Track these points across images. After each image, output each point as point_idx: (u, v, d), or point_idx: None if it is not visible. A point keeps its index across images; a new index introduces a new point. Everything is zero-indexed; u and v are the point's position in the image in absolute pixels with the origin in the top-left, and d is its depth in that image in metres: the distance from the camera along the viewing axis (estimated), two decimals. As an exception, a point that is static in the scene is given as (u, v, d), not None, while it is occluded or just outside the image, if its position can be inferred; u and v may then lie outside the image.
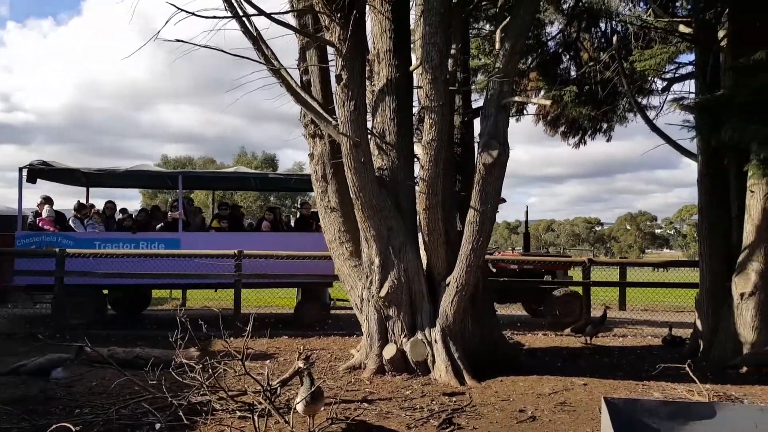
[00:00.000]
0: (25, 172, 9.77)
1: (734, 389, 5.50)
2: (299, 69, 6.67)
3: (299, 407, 4.08)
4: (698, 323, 7.19)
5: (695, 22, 7.13)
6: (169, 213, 10.61)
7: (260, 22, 5.62)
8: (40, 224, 9.89)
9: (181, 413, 4.22)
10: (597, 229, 79.64)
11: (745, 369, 6.20)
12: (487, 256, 11.48)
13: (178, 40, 5.20)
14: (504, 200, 12.40)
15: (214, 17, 5.24)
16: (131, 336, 8.21)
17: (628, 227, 75.26)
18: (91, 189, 11.99)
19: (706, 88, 6.74)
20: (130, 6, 5.14)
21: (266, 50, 5.80)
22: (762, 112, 5.25)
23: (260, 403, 4.25)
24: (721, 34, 6.88)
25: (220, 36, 5.65)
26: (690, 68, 8.04)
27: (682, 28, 7.58)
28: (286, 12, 6.12)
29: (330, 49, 5.94)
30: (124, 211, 11.21)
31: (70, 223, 10.11)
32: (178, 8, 4.99)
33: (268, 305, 12.43)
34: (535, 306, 11.31)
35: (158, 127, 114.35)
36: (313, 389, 4.01)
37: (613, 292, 13.52)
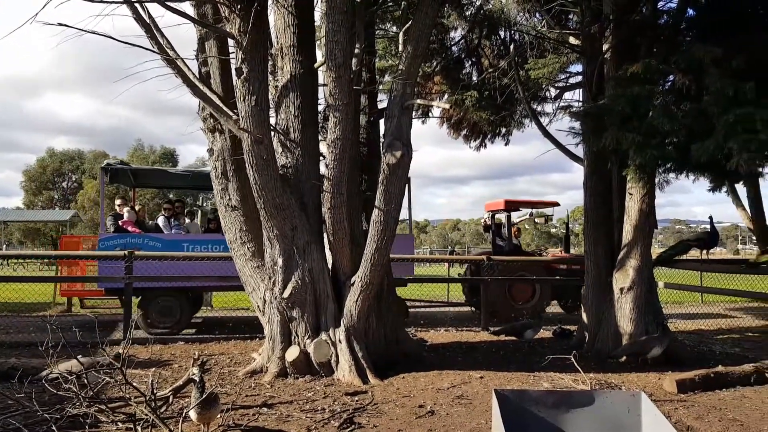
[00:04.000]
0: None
1: (614, 377, 5.93)
2: (198, 60, 6.41)
3: (192, 415, 3.92)
4: (584, 316, 7.66)
5: (583, 35, 7.63)
6: None
7: (156, 9, 5.33)
8: (123, 226, 9.44)
9: (54, 428, 3.91)
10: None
11: (624, 358, 6.66)
12: (538, 258, 11.82)
13: (60, 24, 4.82)
14: (558, 204, 12.82)
15: (102, 1, 4.92)
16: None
17: (527, 226, 79.26)
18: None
19: (591, 96, 7.24)
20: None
21: (161, 39, 5.52)
22: (638, 121, 5.72)
23: (145, 414, 4.03)
24: (606, 46, 7.41)
25: (119, 21, 5.31)
26: (579, 78, 8.60)
27: (572, 40, 8.08)
28: (184, 0, 5.86)
29: (231, 42, 5.76)
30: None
31: (159, 222, 9.73)
32: (60, -11, 4.62)
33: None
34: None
35: (46, 118, 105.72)
36: (206, 395, 3.86)
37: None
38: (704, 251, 8.66)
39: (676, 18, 6.79)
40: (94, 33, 4.99)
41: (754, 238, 10.66)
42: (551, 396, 3.62)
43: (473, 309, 12.09)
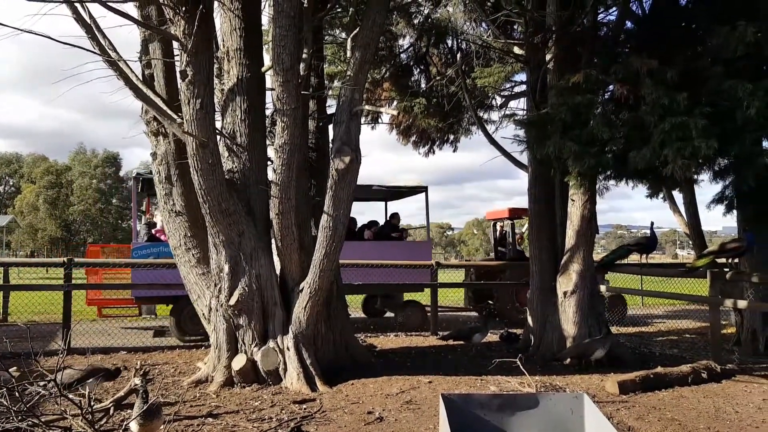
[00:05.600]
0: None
1: (559, 379, 6.07)
2: (141, 62, 6.24)
3: (133, 426, 3.78)
4: (530, 320, 7.82)
5: (526, 45, 7.83)
6: None
7: (97, 10, 5.17)
8: (156, 235, 9.28)
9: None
10: (448, 233, 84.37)
11: (568, 360, 6.81)
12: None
13: (-5, 23, 4.61)
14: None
15: (41, 0, 4.74)
16: None
17: (475, 232, 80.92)
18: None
19: (535, 105, 7.43)
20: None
21: (102, 40, 5.36)
22: (579, 129, 5.90)
23: (82, 427, 3.85)
24: (548, 56, 7.61)
25: (61, 21, 5.13)
26: (524, 86, 8.81)
27: (517, 50, 8.28)
28: (127, 0, 5.69)
29: (176, 44, 5.63)
30: None
31: None
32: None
33: (107, 317, 11.38)
34: None
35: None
36: (147, 406, 3.73)
37: (458, 292, 14.34)
38: (644, 255, 9.00)
39: (616, 30, 7.06)
40: (30, 32, 4.81)
41: (691, 242, 11.17)
42: (497, 399, 3.67)
43: (477, 313, 12.39)
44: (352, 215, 11.31)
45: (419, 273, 9.98)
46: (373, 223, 11.35)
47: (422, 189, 11.34)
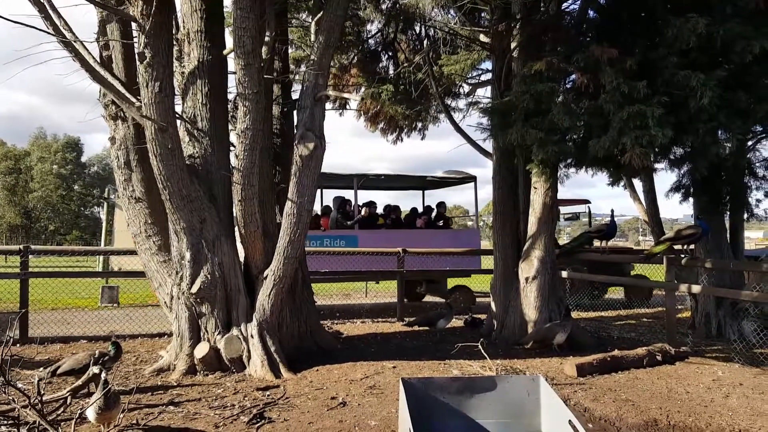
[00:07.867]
0: None
1: (519, 363, 6.19)
2: (98, 43, 6.05)
3: (90, 415, 3.73)
4: (493, 305, 7.95)
5: (492, 32, 7.86)
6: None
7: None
8: None
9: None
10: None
11: (530, 344, 6.96)
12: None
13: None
14: (589, 201, 13.00)
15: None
16: None
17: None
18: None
19: (500, 93, 7.48)
20: None
21: (57, 20, 5.17)
22: (541, 117, 5.97)
23: (32, 417, 3.77)
24: (513, 44, 7.66)
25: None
26: (491, 75, 8.85)
27: (483, 38, 8.30)
28: (81, -22, 5.50)
29: (134, 25, 5.47)
30: None
31: None
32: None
33: (67, 306, 11.13)
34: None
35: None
36: (104, 393, 3.68)
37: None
38: (604, 242, 9.21)
39: (578, 19, 7.13)
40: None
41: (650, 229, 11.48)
42: (455, 383, 3.72)
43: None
44: (394, 203, 12.12)
45: (469, 260, 10.60)
46: (423, 211, 11.68)
47: (471, 179, 11.89)
